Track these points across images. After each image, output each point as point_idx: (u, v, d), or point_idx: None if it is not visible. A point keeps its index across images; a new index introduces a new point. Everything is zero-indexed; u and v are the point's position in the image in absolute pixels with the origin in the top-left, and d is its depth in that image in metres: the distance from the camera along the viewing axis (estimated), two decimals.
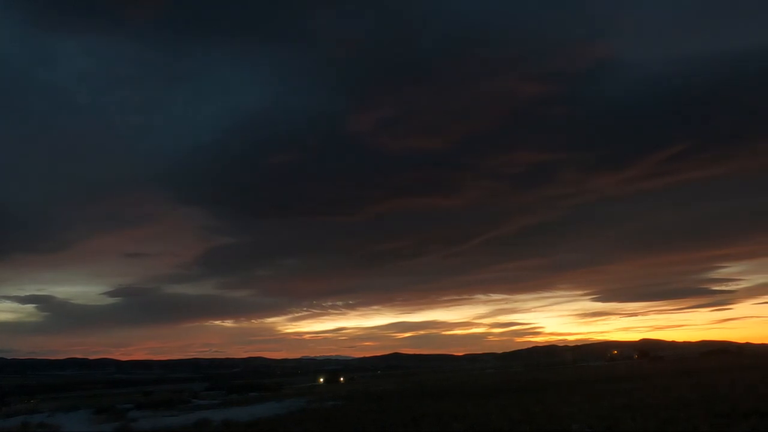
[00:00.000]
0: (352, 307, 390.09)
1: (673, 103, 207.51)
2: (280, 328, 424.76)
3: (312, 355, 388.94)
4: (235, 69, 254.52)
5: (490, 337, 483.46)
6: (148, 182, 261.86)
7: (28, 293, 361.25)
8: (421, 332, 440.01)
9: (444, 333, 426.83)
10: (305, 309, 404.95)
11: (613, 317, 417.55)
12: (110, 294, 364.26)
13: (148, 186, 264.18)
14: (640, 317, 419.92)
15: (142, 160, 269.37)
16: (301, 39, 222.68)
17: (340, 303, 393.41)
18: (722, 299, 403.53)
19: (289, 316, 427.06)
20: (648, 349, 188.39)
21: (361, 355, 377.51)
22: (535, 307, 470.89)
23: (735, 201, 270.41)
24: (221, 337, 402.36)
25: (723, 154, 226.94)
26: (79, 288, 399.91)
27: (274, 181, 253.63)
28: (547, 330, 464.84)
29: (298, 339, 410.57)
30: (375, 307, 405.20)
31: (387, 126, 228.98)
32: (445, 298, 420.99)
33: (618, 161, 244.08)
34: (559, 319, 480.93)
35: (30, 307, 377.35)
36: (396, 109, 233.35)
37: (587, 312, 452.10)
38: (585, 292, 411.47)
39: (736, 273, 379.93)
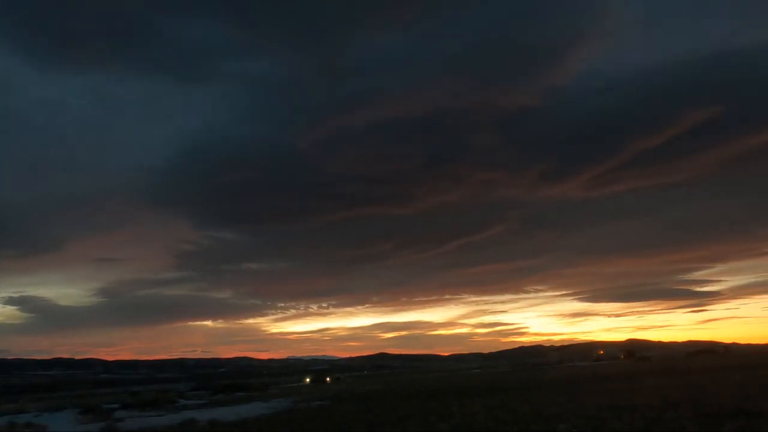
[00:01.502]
0: (337, 307, 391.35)
1: (636, 108, 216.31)
2: (265, 328, 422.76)
3: (298, 355, 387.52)
4: (188, 97, 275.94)
5: (476, 337, 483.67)
6: (117, 193, 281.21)
7: (8, 295, 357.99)
8: (404, 333, 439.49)
9: (429, 333, 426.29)
10: (289, 309, 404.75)
11: (597, 318, 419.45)
12: (94, 295, 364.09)
13: (119, 196, 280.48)
14: (624, 318, 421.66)
15: (105, 175, 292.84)
16: (246, 75, 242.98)
17: (325, 304, 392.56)
18: (708, 300, 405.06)
19: (275, 316, 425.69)
20: (634, 349, 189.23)
21: (348, 356, 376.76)
22: (519, 308, 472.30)
23: (712, 204, 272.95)
24: (207, 337, 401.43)
25: (697, 156, 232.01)
26: (62, 289, 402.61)
27: (229, 194, 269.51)
28: (531, 330, 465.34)
29: (283, 339, 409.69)
30: (360, 308, 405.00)
31: (330, 147, 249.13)
32: (428, 299, 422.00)
33: (583, 166, 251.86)
34: (543, 319, 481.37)
35: (11, 309, 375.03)
36: (338, 132, 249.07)
37: (572, 312, 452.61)
38: (569, 292, 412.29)
39: (721, 274, 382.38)
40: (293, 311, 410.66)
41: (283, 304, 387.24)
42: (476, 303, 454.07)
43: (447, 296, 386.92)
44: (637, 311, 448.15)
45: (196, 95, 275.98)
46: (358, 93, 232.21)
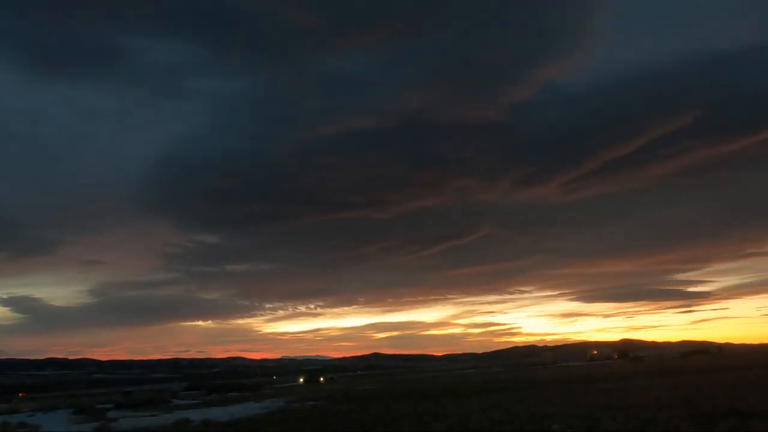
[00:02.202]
0: (330, 307, 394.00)
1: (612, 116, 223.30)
2: (259, 328, 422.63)
3: (292, 355, 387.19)
4: (161, 110, 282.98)
5: (469, 338, 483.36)
6: (102, 199, 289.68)
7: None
8: (395, 333, 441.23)
9: (422, 333, 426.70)
10: (282, 310, 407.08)
11: (591, 318, 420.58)
12: (84, 296, 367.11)
13: (103, 201, 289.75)
14: (618, 318, 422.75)
15: (87, 182, 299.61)
16: (218, 90, 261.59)
17: (313, 305, 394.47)
18: (700, 300, 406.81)
19: (268, 317, 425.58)
20: (628, 350, 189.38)
21: (341, 355, 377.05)
22: (511, 308, 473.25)
23: (697, 207, 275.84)
24: (200, 337, 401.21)
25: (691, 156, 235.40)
26: (54, 291, 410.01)
27: (211, 200, 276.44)
28: (525, 330, 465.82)
29: (277, 339, 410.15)
30: (351, 308, 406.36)
31: (308, 157, 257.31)
32: (420, 299, 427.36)
33: (557, 172, 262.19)
34: (536, 319, 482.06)
35: (4, 310, 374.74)
36: (315, 143, 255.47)
37: (564, 313, 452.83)
38: (561, 292, 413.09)
39: (713, 274, 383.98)
40: (286, 311, 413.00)
41: (276, 305, 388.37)
42: (468, 303, 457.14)
43: (439, 297, 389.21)
44: (630, 311, 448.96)
45: (168, 109, 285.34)
46: (333, 106, 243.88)
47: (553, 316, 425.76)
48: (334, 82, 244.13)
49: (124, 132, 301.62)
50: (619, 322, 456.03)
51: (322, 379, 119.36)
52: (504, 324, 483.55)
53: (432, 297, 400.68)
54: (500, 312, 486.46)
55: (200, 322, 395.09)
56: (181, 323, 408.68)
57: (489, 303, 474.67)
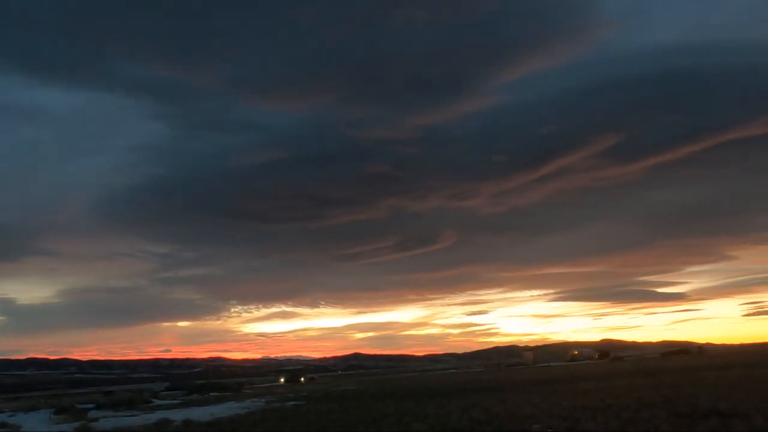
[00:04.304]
0: (310, 307, 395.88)
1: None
2: (241, 329, 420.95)
3: (272, 355, 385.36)
4: (97, 141, 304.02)
5: (450, 338, 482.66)
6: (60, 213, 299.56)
7: None
8: (371, 333, 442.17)
9: (402, 333, 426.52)
10: (262, 310, 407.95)
11: (571, 318, 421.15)
12: (54, 299, 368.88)
13: (60, 215, 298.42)
14: (598, 318, 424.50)
15: (38, 200, 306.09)
16: (141, 132, 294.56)
17: (299, 304, 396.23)
18: (682, 301, 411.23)
19: (249, 316, 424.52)
20: (608, 350, 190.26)
21: (322, 356, 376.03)
22: (492, 308, 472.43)
23: (678, 208, 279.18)
24: (181, 338, 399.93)
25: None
26: (23, 294, 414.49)
27: (156, 217, 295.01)
28: (504, 331, 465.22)
29: (258, 340, 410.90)
30: (334, 308, 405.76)
31: (233, 180, 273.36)
32: (402, 299, 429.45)
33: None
34: (516, 319, 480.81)
35: None
36: (238, 170, 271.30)
37: (545, 313, 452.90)
38: (541, 293, 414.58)
39: (696, 275, 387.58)
40: (267, 311, 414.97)
41: (257, 306, 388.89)
42: (436, 306, 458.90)
43: (428, 296, 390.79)
44: (611, 312, 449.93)
45: (102, 143, 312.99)
46: (248, 141, 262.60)
47: (533, 316, 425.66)
48: (247, 124, 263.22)
49: (66, 161, 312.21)
50: (599, 322, 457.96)
51: (302, 379, 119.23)
52: (483, 324, 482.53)
53: (391, 298, 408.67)
54: (481, 313, 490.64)
55: (187, 324, 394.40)
56: (164, 324, 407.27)
57: (459, 304, 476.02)
